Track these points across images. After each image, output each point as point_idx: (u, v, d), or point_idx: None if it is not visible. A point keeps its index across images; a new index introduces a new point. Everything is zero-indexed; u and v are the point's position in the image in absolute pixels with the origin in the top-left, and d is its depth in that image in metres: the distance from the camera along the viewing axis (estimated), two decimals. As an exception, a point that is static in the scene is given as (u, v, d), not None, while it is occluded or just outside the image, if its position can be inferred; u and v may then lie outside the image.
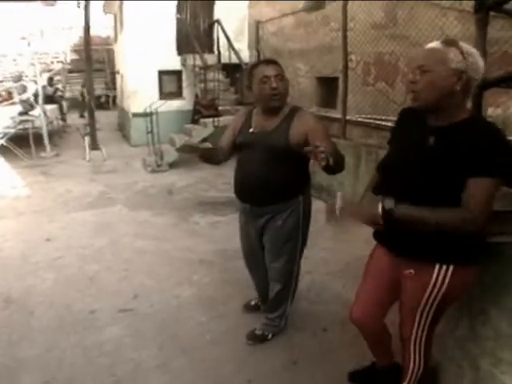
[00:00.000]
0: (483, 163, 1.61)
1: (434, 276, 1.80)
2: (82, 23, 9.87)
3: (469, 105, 2.20)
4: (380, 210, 1.72)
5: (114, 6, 12.43)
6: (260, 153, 2.48)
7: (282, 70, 2.49)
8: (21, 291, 3.65)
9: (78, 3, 11.32)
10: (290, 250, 2.72)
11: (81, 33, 13.21)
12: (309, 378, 2.58)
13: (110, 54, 17.69)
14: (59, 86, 14.22)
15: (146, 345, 2.92)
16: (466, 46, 1.66)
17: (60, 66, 15.96)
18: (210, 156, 2.68)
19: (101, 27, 17.12)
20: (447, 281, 1.80)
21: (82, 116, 14.74)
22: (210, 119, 8.49)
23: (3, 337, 3.02)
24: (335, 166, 2.05)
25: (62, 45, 16.79)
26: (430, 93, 1.66)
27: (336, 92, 7.59)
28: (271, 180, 2.47)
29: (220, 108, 8.82)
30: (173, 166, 8.39)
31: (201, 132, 8.52)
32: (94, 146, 9.37)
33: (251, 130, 2.55)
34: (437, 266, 1.80)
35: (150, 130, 8.33)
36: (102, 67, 18.23)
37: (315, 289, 3.64)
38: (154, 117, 8.23)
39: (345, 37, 5.72)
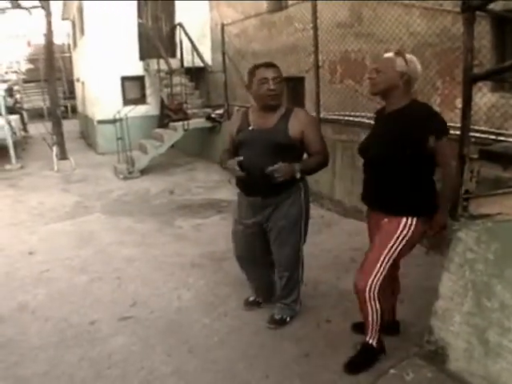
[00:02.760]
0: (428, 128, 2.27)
1: (402, 224, 2.39)
2: (35, 31, 9.64)
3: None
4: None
5: (72, 12, 12.14)
6: (262, 148, 2.68)
7: (280, 73, 2.72)
8: (12, 309, 3.53)
9: (30, 10, 11.03)
10: (296, 236, 2.90)
11: (34, 41, 12.78)
12: (323, 369, 2.64)
13: (66, 61, 17.25)
14: (17, 96, 13.79)
15: (154, 352, 2.91)
16: (409, 56, 2.37)
17: (15, 76, 15.43)
18: None
19: (55, 34, 16.64)
20: (412, 227, 2.38)
21: None
22: (180, 123, 8.48)
23: (1, 357, 2.91)
24: (307, 171, 2.74)
25: (14, 54, 16.22)
26: (382, 85, 2.37)
27: (302, 91, 7.70)
28: None
29: (188, 111, 8.82)
30: (144, 172, 8.32)
31: (172, 136, 8.50)
32: (63, 155, 9.14)
33: (251, 128, 2.76)
34: (404, 219, 2.39)
35: (119, 136, 8.22)
36: (59, 76, 17.76)
37: (311, 283, 3.70)
38: (124, 123, 8.12)
39: (316, 36, 5.85)
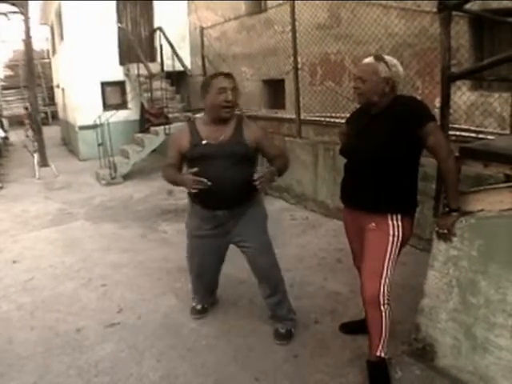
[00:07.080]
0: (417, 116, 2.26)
1: (391, 225, 2.35)
2: (14, 37, 9.52)
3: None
4: None
5: (50, 17, 11.99)
6: (224, 161, 2.65)
7: (236, 83, 2.72)
8: (-4, 319, 3.49)
9: (8, 16, 10.88)
10: (270, 241, 2.97)
11: (13, 47, 12.59)
12: (313, 370, 2.65)
13: (45, 67, 17.03)
14: (-4, 103, 13.61)
15: (143, 357, 2.88)
16: (391, 59, 2.33)
17: (-7, 83, 15.21)
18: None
19: (34, 40, 16.44)
20: (400, 228, 2.35)
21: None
22: (161, 127, 8.42)
23: (-13, 368, 2.86)
24: (280, 173, 2.71)
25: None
26: (368, 94, 2.34)
27: (283, 93, 7.73)
28: (241, 181, 2.63)
29: (169, 116, 8.78)
30: (127, 177, 8.27)
31: (153, 140, 8.45)
32: (44, 162, 9.02)
33: (205, 142, 2.69)
34: (388, 216, 2.35)
35: (100, 142, 8.15)
36: (39, 82, 17.50)
37: (297, 284, 3.73)
38: (105, 128, 8.04)
39: (294, 38, 5.88)
